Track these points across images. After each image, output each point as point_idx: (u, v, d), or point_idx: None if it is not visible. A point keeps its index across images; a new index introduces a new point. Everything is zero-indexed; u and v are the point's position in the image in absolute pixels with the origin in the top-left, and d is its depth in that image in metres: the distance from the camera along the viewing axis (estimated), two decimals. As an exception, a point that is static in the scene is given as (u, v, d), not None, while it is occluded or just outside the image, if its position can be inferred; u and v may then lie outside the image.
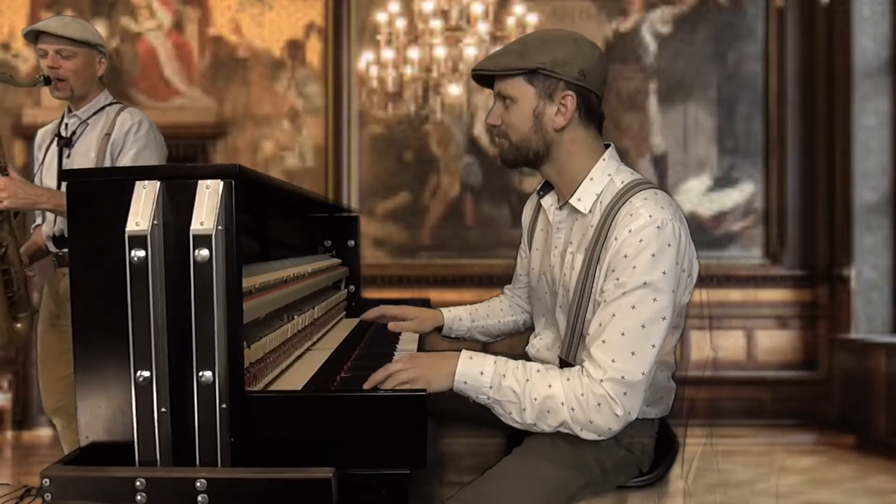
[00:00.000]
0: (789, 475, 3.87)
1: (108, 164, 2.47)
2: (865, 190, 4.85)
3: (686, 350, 4.97)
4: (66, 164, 2.53)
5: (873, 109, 4.84)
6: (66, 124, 2.58)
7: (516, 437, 1.59)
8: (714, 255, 5.16)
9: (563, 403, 1.32)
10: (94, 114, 2.55)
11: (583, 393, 1.32)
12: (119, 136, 2.48)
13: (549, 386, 1.33)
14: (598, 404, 1.32)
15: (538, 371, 1.35)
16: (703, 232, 5.23)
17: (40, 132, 2.69)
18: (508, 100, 1.47)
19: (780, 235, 5.21)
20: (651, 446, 1.61)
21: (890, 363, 4.45)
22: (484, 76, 1.51)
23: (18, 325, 2.47)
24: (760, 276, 5.21)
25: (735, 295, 5.18)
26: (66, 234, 2.49)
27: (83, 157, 2.50)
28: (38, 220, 2.68)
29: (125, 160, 2.46)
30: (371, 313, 1.97)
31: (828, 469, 4.07)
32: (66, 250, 2.50)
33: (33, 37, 2.51)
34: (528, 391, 1.33)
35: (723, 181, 5.26)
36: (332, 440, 1.21)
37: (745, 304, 5.19)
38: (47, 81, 2.47)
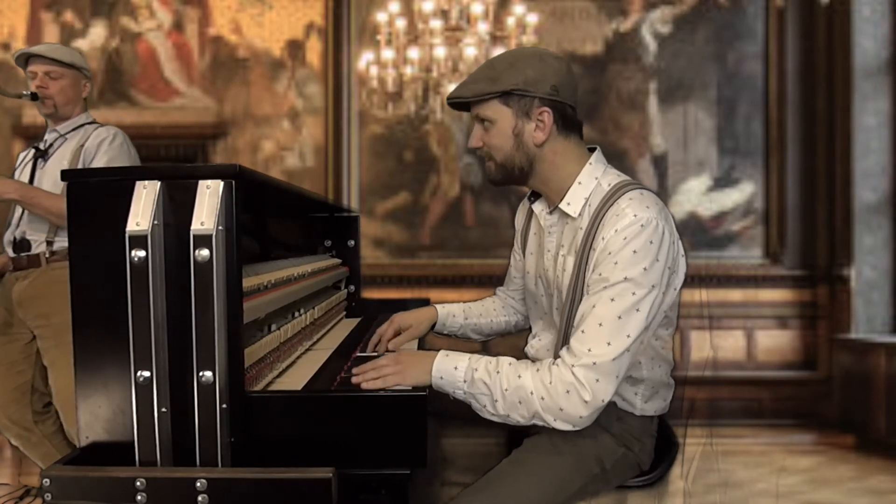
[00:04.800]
0: (789, 475, 3.87)
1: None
2: (865, 190, 4.84)
3: (686, 350, 4.98)
4: (39, 174, 2.61)
5: (873, 109, 4.84)
6: (46, 140, 2.68)
7: (516, 437, 1.60)
8: (714, 255, 5.16)
9: (532, 393, 1.34)
10: (73, 130, 2.65)
11: (551, 381, 1.34)
12: (92, 145, 2.56)
13: (519, 377, 1.36)
14: (567, 391, 1.34)
15: (509, 364, 1.38)
16: (703, 232, 5.23)
17: (22, 154, 2.79)
18: (487, 122, 1.50)
19: (780, 235, 5.21)
20: (651, 445, 1.62)
21: (890, 363, 4.45)
22: (460, 102, 1.54)
23: None
24: (760, 276, 5.21)
25: (735, 295, 5.18)
26: (27, 238, 2.54)
27: (57, 165, 2.58)
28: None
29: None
30: (374, 345, 1.86)
31: (828, 469, 4.07)
32: (24, 254, 2.54)
33: (23, 61, 2.64)
34: (499, 383, 1.36)
35: (723, 181, 5.26)
36: (332, 440, 1.21)
37: (745, 304, 5.19)
38: (34, 97, 2.60)
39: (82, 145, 2.56)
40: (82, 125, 2.66)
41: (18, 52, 2.66)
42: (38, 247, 2.53)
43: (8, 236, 2.59)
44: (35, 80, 2.61)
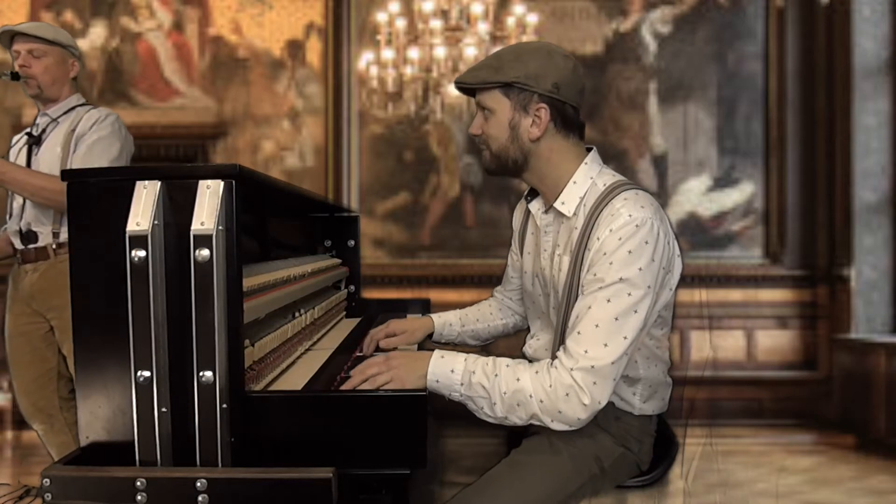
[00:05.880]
0: (789, 475, 3.87)
1: (72, 155, 2.48)
2: (865, 190, 4.85)
3: (686, 350, 4.98)
4: (34, 161, 2.55)
5: (873, 109, 4.84)
6: (38, 124, 2.61)
7: (515, 438, 1.60)
8: (714, 255, 5.16)
9: (531, 396, 1.34)
10: (65, 113, 2.58)
11: (551, 384, 1.34)
12: (84, 127, 2.50)
13: (518, 380, 1.35)
14: (567, 394, 1.34)
15: (507, 366, 1.38)
16: (703, 232, 5.23)
17: (15, 137, 2.73)
18: (487, 111, 1.51)
19: (780, 235, 5.22)
20: (650, 444, 1.62)
21: (890, 363, 4.45)
22: (466, 87, 1.54)
23: None
24: (760, 276, 5.21)
25: (735, 295, 5.18)
26: (32, 229, 2.50)
27: (50, 152, 2.53)
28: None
29: (83, 146, 2.47)
30: (368, 346, 1.90)
31: (828, 469, 4.07)
32: (31, 246, 2.51)
33: (7, 40, 2.55)
34: (498, 386, 1.35)
35: (723, 181, 5.26)
36: (332, 440, 1.21)
37: (745, 304, 5.19)
38: (15, 77, 2.52)
39: (73, 129, 2.50)
40: (73, 107, 2.58)
41: (1, 29, 2.55)
42: (45, 238, 2.50)
43: (13, 226, 2.55)
44: (18, 59, 2.51)
